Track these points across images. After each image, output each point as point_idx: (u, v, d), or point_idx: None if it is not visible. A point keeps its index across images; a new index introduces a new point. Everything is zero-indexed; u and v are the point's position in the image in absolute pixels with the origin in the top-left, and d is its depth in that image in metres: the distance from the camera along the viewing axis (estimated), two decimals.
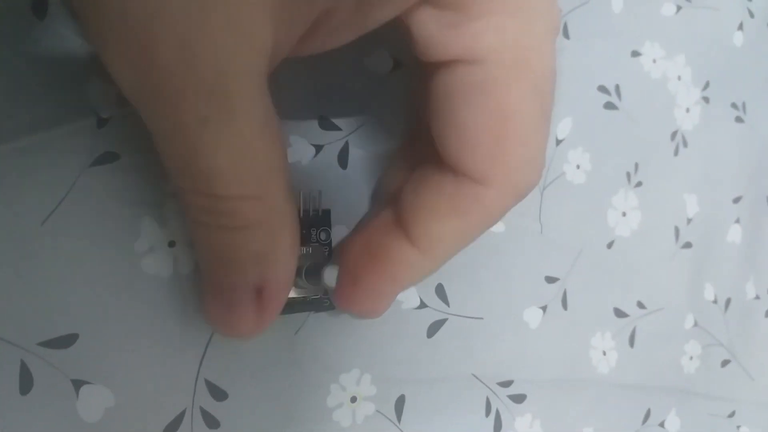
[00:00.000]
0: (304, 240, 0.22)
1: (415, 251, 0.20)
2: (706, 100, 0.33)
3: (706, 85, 0.33)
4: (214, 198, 0.16)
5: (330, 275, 0.20)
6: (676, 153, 0.32)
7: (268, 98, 0.16)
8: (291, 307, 0.22)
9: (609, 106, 0.29)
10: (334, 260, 0.22)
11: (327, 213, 0.22)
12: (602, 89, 0.29)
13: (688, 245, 0.32)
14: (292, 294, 0.21)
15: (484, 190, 0.18)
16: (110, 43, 0.14)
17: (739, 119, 0.34)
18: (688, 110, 0.32)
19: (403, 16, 0.17)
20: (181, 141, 0.15)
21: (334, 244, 0.23)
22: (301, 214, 0.22)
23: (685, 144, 0.32)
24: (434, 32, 0.17)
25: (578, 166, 0.29)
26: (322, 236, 0.22)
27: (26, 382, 0.19)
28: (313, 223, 0.22)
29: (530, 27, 0.17)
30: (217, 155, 0.15)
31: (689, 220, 0.32)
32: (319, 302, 0.22)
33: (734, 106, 0.34)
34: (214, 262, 0.18)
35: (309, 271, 0.21)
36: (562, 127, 0.28)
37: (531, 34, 0.17)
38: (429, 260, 0.20)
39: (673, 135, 0.32)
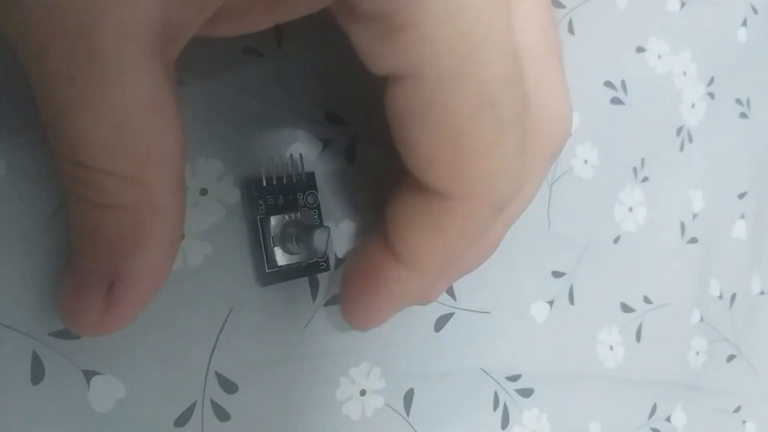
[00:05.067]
0: (292, 205, 0.22)
1: (404, 268, 0.20)
2: (711, 95, 0.33)
3: (711, 81, 0.33)
4: (80, 167, 0.15)
5: (320, 238, 0.20)
6: (681, 148, 0.32)
7: (162, 77, 0.15)
8: (287, 274, 0.22)
9: (615, 101, 0.30)
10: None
11: (311, 175, 0.22)
12: (608, 84, 0.29)
13: (693, 240, 0.32)
14: (287, 261, 0.21)
15: (454, 205, 0.18)
16: None
17: (743, 115, 0.34)
18: (693, 106, 0.32)
19: (341, 24, 0.17)
20: (49, 95, 0.14)
21: (323, 209, 0.23)
22: (285, 181, 0.22)
23: (691, 139, 0.32)
24: (368, 44, 0.16)
25: (586, 161, 0.29)
26: (310, 200, 0.22)
27: (38, 372, 0.19)
28: (299, 187, 0.22)
29: (466, 34, 0.16)
30: (83, 120, 0.14)
31: (695, 216, 0.32)
32: (315, 265, 0.22)
33: (739, 102, 0.34)
34: (74, 239, 0.17)
35: (300, 236, 0.21)
36: None
37: (468, 42, 0.16)
38: (419, 277, 0.20)
39: (679, 130, 0.32)
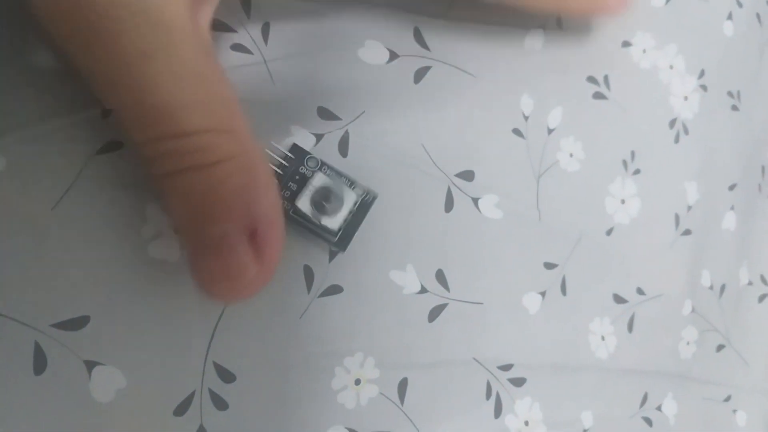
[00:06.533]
0: (303, 182, 0.22)
1: None
2: (704, 88, 0.33)
3: (702, 74, 0.33)
4: (182, 137, 0.16)
5: (349, 197, 0.22)
6: (676, 141, 0.32)
7: (204, 30, 0.17)
8: (303, 220, 0.22)
9: (598, 96, 0.30)
10: None
11: (296, 147, 0.23)
12: (591, 80, 0.30)
13: (687, 232, 0.33)
14: (309, 212, 0.22)
15: None
16: None
17: (734, 107, 0.35)
18: (686, 98, 0.33)
19: None
20: (132, 81, 0.16)
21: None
22: (281, 171, 0.22)
23: (686, 131, 0.33)
24: None
25: (571, 155, 0.29)
26: (311, 164, 0.23)
27: (40, 363, 0.19)
28: (296, 162, 0.23)
29: None
30: (169, 85, 0.16)
31: (689, 208, 0.33)
32: (326, 231, 0.23)
33: (730, 94, 0.35)
34: (197, 212, 0.17)
35: (318, 198, 0.22)
36: (553, 117, 0.29)
37: None
38: None
39: (672, 123, 0.32)
